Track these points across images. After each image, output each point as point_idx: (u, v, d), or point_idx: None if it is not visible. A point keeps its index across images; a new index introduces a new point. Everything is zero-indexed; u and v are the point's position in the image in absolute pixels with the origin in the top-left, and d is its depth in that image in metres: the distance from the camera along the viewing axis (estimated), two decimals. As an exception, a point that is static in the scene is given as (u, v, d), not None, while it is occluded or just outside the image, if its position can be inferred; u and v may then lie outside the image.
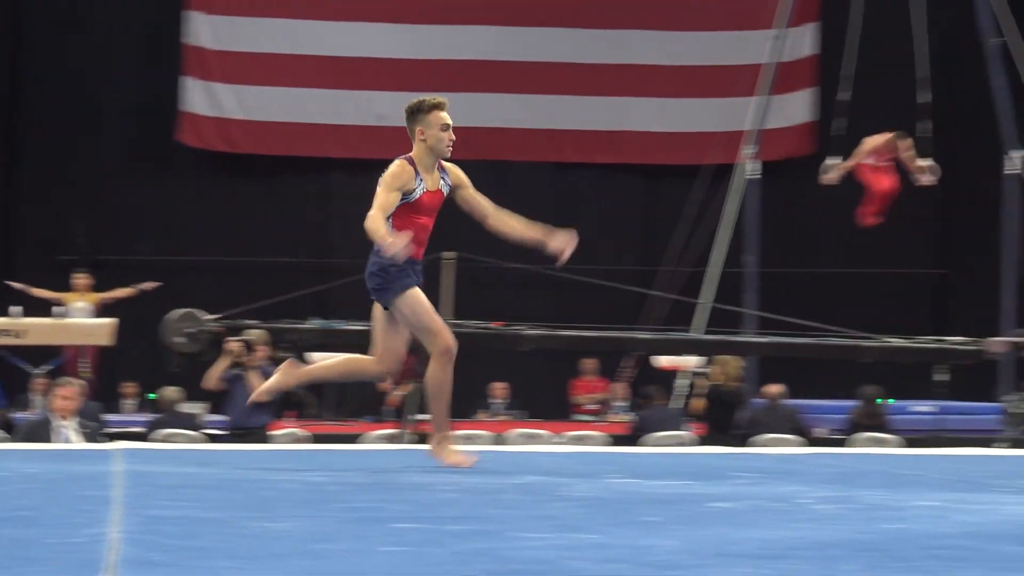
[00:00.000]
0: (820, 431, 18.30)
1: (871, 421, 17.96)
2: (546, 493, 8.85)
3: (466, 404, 21.24)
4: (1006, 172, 20.58)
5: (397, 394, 20.81)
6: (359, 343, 20.50)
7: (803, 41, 25.66)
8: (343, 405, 22.37)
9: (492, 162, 25.72)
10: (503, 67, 26.52)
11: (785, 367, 20.38)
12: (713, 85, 25.94)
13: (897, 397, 19.33)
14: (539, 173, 26.53)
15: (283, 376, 10.40)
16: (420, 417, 17.27)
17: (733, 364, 19.35)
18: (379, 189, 9.80)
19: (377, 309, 10.06)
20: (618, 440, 17.59)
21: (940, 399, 19.57)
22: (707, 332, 20.66)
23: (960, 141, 23.91)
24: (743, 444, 16.49)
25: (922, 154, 18.92)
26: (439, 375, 10.07)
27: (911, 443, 16.69)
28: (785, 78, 23.69)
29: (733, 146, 22.24)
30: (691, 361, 20.89)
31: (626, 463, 12.07)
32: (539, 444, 16.55)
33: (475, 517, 7.40)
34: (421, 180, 9.94)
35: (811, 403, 19.45)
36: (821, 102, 25.57)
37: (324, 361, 10.87)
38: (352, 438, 17.29)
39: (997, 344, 18.88)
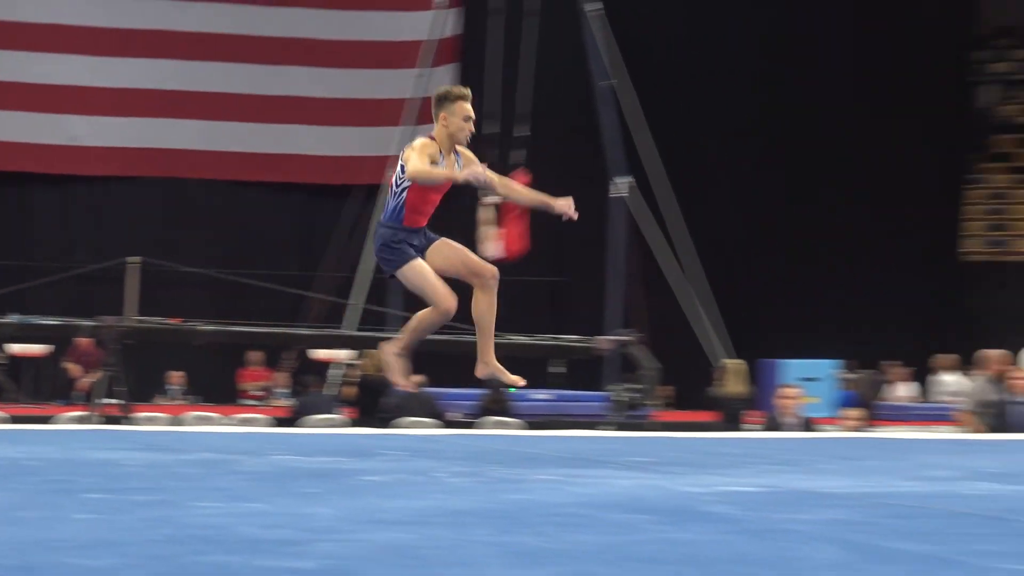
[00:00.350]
0: (454, 415, 18.41)
1: (497, 406, 18.13)
2: (218, 468, 8.80)
3: (146, 390, 21.03)
4: (611, 195, 20.91)
5: (87, 380, 20.52)
6: (53, 336, 20.34)
7: (444, 79, 25.80)
8: (38, 389, 22.01)
9: (174, 179, 25.58)
10: (184, 96, 26.33)
11: (424, 359, 20.48)
12: (365, 116, 26.09)
13: (519, 386, 19.51)
14: (215, 189, 26.38)
15: (390, 359, 10.40)
16: (107, 401, 17.02)
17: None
18: (412, 155, 9.68)
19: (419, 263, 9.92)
20: (280, 422, 17.52)
21: (556, 388, 19.82)
22: (358, 329, 20.68)
23: (575, 167, 24.22)
24: (388, 426, 16.52)
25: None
26: (434, 320, 10.13)
27: (531, 426, 16.88)
28: (427, 111, 23.80)
29: (381, 169, 22.28)
30: (343, 354, 20.91)
31: (287, 442, 12.03)
32: (211, 425, 16.39)
33: (157, 488, 7.33)
34: (443, 157, 9.80)
35: (446, 391, 19.54)
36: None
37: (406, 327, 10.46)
38: (46, 419, 16.95)
39: (604, 342, 19.21)
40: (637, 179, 21.16)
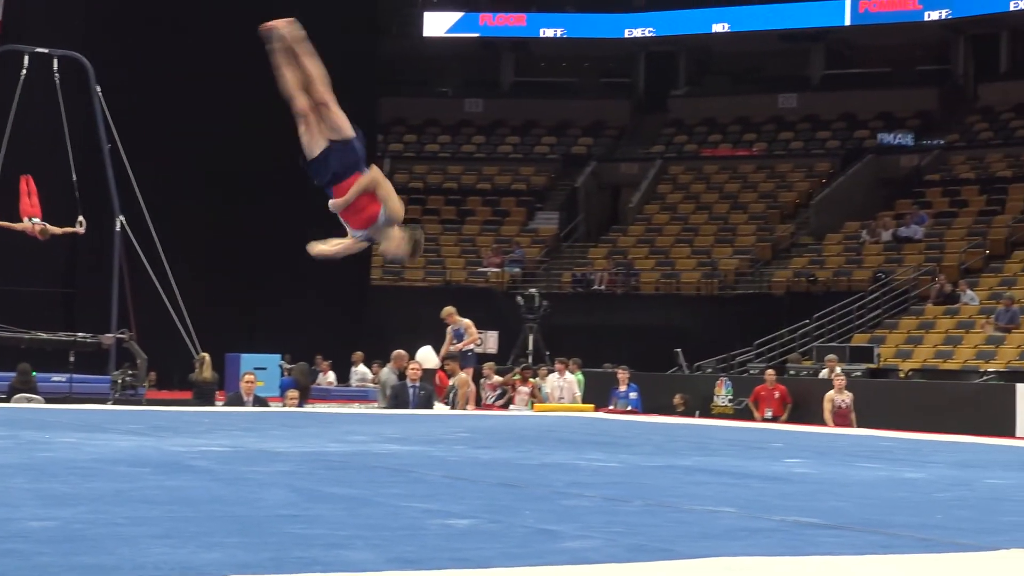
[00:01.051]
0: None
1: (25, 386, 17.37)
2: None
3: None
4: (116, 230, 20.35)
5: None
6: None
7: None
8: None
9: None
10: None
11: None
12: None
13: (41, 370, 18.76)
14: None
15: None
16: None
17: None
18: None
19: None
20: None
21: (72, 372, 19.07)
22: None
23: (92, 206, 23.28)
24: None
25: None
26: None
27: (52, 401, 16.30)
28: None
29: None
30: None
31: None
32: None
33: None
34: None
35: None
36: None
37: None
38: None
39: (107, 338, 18.80)
40: (135, 214, 20.63)
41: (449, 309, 19.43)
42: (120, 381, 17.74)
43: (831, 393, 19.10)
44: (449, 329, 19.24)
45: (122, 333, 18.84)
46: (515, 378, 21.56)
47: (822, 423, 18.16)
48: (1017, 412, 18.24)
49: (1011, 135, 35.23)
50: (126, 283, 19.84)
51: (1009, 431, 17.21)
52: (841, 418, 18.62)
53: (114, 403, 16.59)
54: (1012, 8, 35.17)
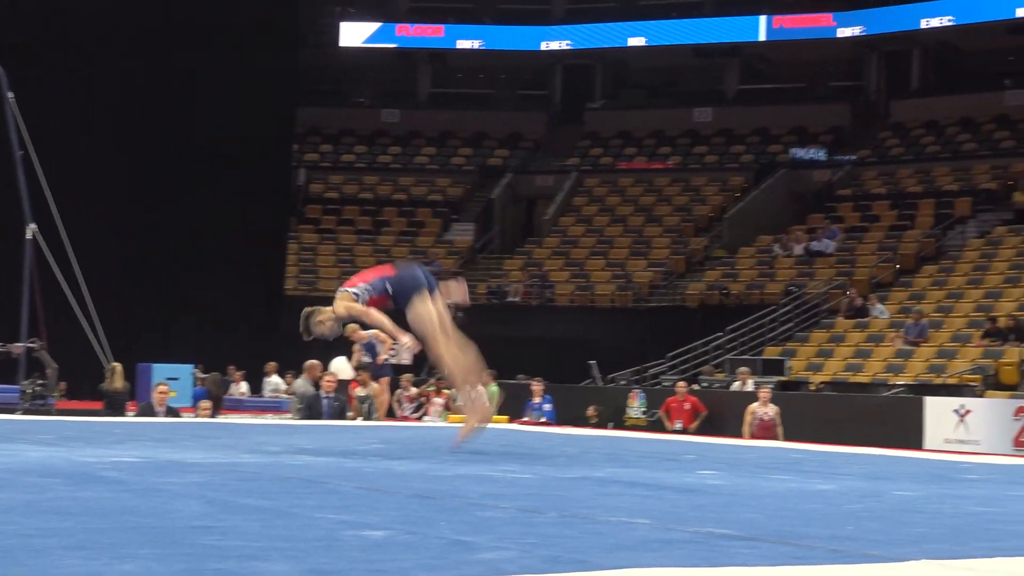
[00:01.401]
0: None
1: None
2: None
3: None
4: (27, 237, 20.11)
5: None
6: None
7: None
8: None
9: None
10: None
11: None
12: None
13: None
14: None
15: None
16: None
17: None
18: None
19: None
20: None
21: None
22: None
23: (2, 213, 23.06)
24: None
25: None
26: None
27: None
28: None
29: None
30: None
31: None
32: None
33: None
34: None
35: None
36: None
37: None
38: None
39: (17, 348, 18.47)
40: (48, 223, 20.37)
41: (352, 326, 19.37)
42: (30, 391, 17.47)
43: (754, 406, 19.19)
44: (356, 345, 19.18)
45: (32, 342, 18.56)
46: (430, 389, 21.53)
47: (736, 435, 18.28)
48: (925, 425, 18.53)
49: (922, 151, 35.82)
50: (36, 291, 19.56)
51: (917, 443, 17.48)
52: (765, 431, 18.69)
53: (23, 413, 16.32)
54: (924, 26, 35.80)
